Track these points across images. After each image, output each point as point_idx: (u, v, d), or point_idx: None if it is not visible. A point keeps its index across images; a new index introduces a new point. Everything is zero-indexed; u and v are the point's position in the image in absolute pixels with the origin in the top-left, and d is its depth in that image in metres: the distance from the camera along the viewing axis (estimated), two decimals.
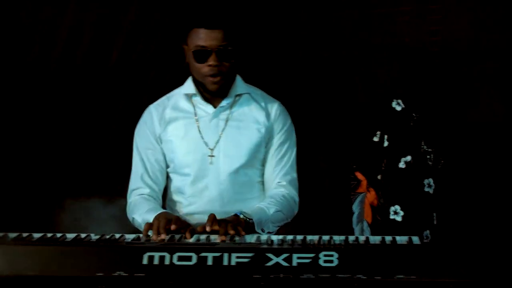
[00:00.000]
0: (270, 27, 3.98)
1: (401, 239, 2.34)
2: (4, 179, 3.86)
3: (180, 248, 2.19)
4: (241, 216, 2.62)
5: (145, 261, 2.16)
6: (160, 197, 2.89)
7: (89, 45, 3.99)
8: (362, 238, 2.35)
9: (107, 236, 2.41)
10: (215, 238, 2.42)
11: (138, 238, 2.45)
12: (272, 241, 2.33)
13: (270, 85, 3.08)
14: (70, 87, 3.98)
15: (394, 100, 3.77)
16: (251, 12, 3.88)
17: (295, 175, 2.90)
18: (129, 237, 2.45)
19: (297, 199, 2.89)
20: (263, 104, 2.89)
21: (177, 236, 2.46)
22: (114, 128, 3.97)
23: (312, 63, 3.99)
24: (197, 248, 2.19)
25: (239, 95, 2.87)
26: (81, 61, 3.98)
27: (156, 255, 2.17)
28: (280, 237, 2.39)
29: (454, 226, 3.69)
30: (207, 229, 2.45)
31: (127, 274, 2.15)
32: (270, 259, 2.15)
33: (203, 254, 2.17)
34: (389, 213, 3.70)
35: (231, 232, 2.44)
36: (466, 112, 3.84)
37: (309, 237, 2.37)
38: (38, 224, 3.57)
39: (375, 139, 3.79)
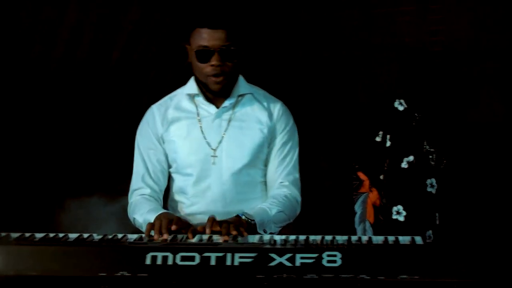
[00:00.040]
0: (272, 27, 3.98)
1: (404, 239, 2.33)
2: (6, 179, 3.87)
3: (183, 248, 2.18)
4: (243, 217, 2.61)
5: (148, 261, 2.16)
6: (161, 198, 2.89)
7: (90, 44, 3.99)
8: (364, 238, 2.35)
9: (110, 236, 2.41)
10: (217, 238, 2.41)
11: (141, 238, 2.44)
12: (275, 241, 2.32)
13: (272, 85, 3.08)
14: (71, 87, 3.98)
15: (397, 100, 3.77)
16: (253, 12, 3.88)
17: (297, 175, 2.89)
18: (132, 237, 2.45)
19: (299, 199, 2.88)
20: (265, 104, 2.88)
21: (179, 236, 2.46)
22: (115, 128, 3.97)
23: (314, 63, 3.99)
24: (200, 248, 2.18)
25: (242, 95, 2.86)
26: (82, 61, 3.99)
27: (159, 255, 2.16)
28: (283, 237, 2.38)
29: (457, 226, 3.69)
30: (207, 231, 2.45)
31: (130, 274, 2.14)
32: (273, 259, 2.15)
33: (206, 254, 2.16)
34: (392, 213, 3.70)
35: (234, 232, 2.43)
36: (468, 112, 3.84)
37: (311, 237, 2.37)
38: (39, 223, 3.58)
39: (378, 139, 3.79)
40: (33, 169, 3.93)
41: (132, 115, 3.10)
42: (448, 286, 2.10)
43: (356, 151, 3.87)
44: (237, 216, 2.62)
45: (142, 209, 2.76)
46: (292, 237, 2.38)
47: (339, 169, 3.95)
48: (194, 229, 2.51)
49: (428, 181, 3.70)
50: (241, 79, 2.87)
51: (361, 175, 3.84)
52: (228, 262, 2.15)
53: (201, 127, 2.83)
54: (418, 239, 2.33)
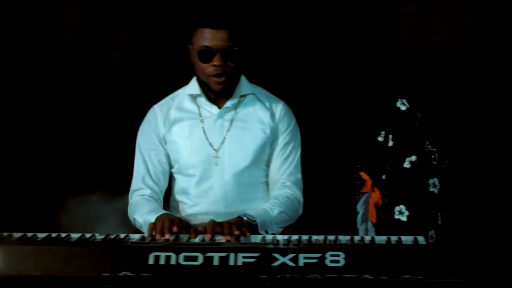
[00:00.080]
0: (274, 28, 3.97)
1: (407, 239, 2.33)
2: (8, 179, 3.87)
3: (186, 248, 2.18)
4: (245, 218, 2.61)
5: (151, 261, 2.16)
6: (162, 199, 2.88)
7: (91, 44, 3.99)
8: (367, 238, 2.35)
9: (112, 236, 2.40)
10: (220, 238, 2.41)
11: (143, 238, 2.44)
12: (277, 241, 2.32)
13: (273, 85, 3.07)
14: (72, 87, 3.97)
15: (399, 99, 3.76)
16: (255, 13, 3.88)
17: (299, 175, 2.89)
18: (134, 237, 2.44)
19: (301, 200, 2.88)
20: (267, 104, 2.88)
21: (182, 236, 2.45)
22: (116, 128, 3.97)
23: (316, 63, 3.99)
24: (203, 248, 2.18)
25: (244, 95, 2.86)
26: (83, 60, 3.98)
27: (162, 255, 2.16)
28: (286, 237, 2.38)
29: (459, 226, 3.69)
30: (208, 236, 2.44)
31: (133, 274, 2.14)
32: (277, 259, 2.15)
33: (209, 254, 2.16)
34: (394, 213, 3.70)
35: (236, 232, 2.43)
36: (470, 111, 3.83)
37: (314, 237, 2.36)
38: (40, 223, 3.59)
39: (380, 138, 3.79)
40: (34, 169, 3.93)
41: (133, 115, 3.10)
42: (452, 286, 2.10)
43: (358, 151, 3.87)
44: (239, 217, 2.61)
45: (143, 209, 2.75)
46: (295, 237, 2.38)
47: (341, 169, 3.95)
48: (195, 230, 2.51)
49: (431, 181, 3.70)
50: (243, 79, 2.87)
51: (363, 175, 3.83)
52: (231, 262, 2.15)
53: (203, 127, 2.83)
54: (421, 239, 2.33)
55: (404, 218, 3.68)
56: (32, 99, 3.95)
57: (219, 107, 2.82)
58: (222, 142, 2.81)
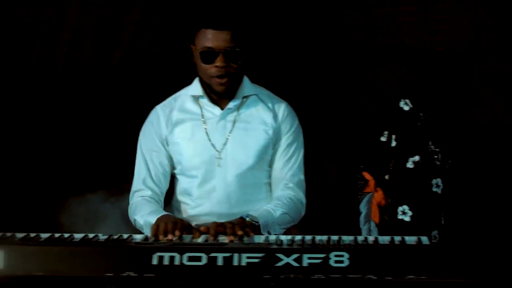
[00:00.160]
0: (277, 28, 3.97)
1: (410, 239, 2.33)
2: (10, 179, 3.87)
3: (190, 249, 2.18)
4: (247, 218, 2.60)
5: (154, 261, 2.16)
6: (162, 200, 2.88)
7: (92, 45, 3.98)
8: (371, 239, 2.34)
9: (115, 236, 2.40)
10: (223, 238, 2.41)
11: (147, 239, 2.44)
12: (281, 241, 2.32)
13: (276, 85, 3.07)
14: (73, 87, 3.97)
15: (402, 100, 3.76)
16: (257, 14, 3.87)
17: (302, 177, 2.88)
18: (137, 237, 2.44)
19: (304, 201, 2.87)
20: (270, 105, 2.87)
21: (186, 237, 2.45)
22: (118, 128, 3.96)
23: (318, 63, 3.99)
24: (207, 248, 2.18)
25: (246, 96, 2.85)
26: (84, 61, 3.98)
27: (166, 255, 2.16)
28: (289, 237, 2.38)
29: (463, 226, 3.69)
30: (211, 239, 2.43)
31: (136, 275, 2.14)
32: (281, 260, 2.14)
33: (213, 254, 2.16)
34: (397, 213, 3.70)
35: (240, 232, 2.43)
36: (473, 112, 3.83)
37: (317, 237, 2.36)
38: (42, 223, 3.59)
39: (383, 139, 3.78)
40: (36, 169, 3.92)
41: (134, 115, 3.10)
42: (455, 287, 2.10)
43: (361, 151, 3.86)
44: (241, 217, 2.61)
45: (143, 210, 2.75)
46: (298, 237, 2.38)
47: (344, 169, 3.94)
48: (197, 230, 2.50)
49: (434, 181, 3.69)
50: (245, 80, 2.86)
51: (366, 175, 3.83)
52: (235, 263, 2.15)
53: (205, 128, 2.82)
54: (425, 239, 2.32)
55: (407, 218, 3.68)
56: (33, 99, 3.95)
57: (222, 108, 2.82)
58: (225, 144, 2.81)
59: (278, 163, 2.86)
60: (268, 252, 2.15)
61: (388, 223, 3.73)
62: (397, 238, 2.34)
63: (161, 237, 2.43)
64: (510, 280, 2.10)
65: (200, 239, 2.43)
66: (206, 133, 2.81)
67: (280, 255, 2.15)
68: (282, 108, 2.88)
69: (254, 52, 2.89)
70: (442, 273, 2.11)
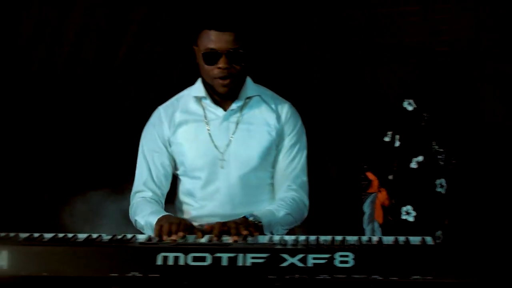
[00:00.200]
0: (279, 29, 3.97)
1: (414, 240, 2.32)
2: (12, 180, 3.87)
3: (195, 249, 2.17)
4: (251, 218, 2.59)
5: (159, 261, 2.15)
6: (163, 201, 2.87)
7: (96, 45, 3.99)
8: (375, 239, 2.34)
9: (119, 237, 2.40)
10: (227, 238, 2.41)
11: (150, 239, 2.43)
12: (286, 241, 2.31)
13: (279, 86, 3.07)
14: (76, 87, 3.98)
15: (406, 100, 3.76)
16: (259, 15, 3.87)
17: (305, 178, 2.87)
18: (141, 237, 2.44)
19: (307, 202, 2.86)
20: (273, 106, 2.86)
21: (190, 237, 2.45)
22: (120, 128, 3.97)
23: (321, 63, 3.99)
24: (212, 248, 2.17)
25: (250, 97, 2.84)
26: (87, 61, 3.98)
27: (170, 255, 2.15)
28: (294, 237, 2.37)
29: (466, 226, 3.68)
30: (215, 239, 2.43)
31: (141, 275, 2.13)
32: (285, 260, 2.14)
33: (218, 254, 2.15)
34: (401, 213, 3.70)
35: (244, 232, 2.42)
36: (477, 112, 3.83)
37: (322, 238, 2.35)
38: (44, 222, 3.59)
39: (387, 139, 3.78)
40: (39, 169, 3.93)
41: (136, 116, 3.09)
42: (460, 287, 2.10)
43: (365, 151, 3.86)
44: (244, 217, 2.60)
45: (144, 211, 2.74)
46: (302, 237, 2.37)
47: (348, 169, 3.94)
48: (200, 230, 2.50)
49: (438, 181, 3.69)
50: (248, 80, 2.85)
51: (370, 175, 3.83)
52: (240, 263, 2.14)
53: (208, 130, 2.81)
54: (429, 240, 2.31)
55: (411, 219, 3.68)
56: (36, 99, 3.96)
57: (225, 109, 2.81)
58: (228, 145, 2.80)
59: (281, 164, 2.85)
60: (273, 252, 2.14)
61: (392, 223, 3.73)
62: (402, 239, 2.33)
63: (165, 237, 2.43)
64: None
65: (204, 239, 2.43)
66: (209, 134, 2.80)
67: (285, 256, 2.14)
68: (285, 109, 2.87)
69: (257, 53, 2.88)
70: (446, 273, 2.10)
